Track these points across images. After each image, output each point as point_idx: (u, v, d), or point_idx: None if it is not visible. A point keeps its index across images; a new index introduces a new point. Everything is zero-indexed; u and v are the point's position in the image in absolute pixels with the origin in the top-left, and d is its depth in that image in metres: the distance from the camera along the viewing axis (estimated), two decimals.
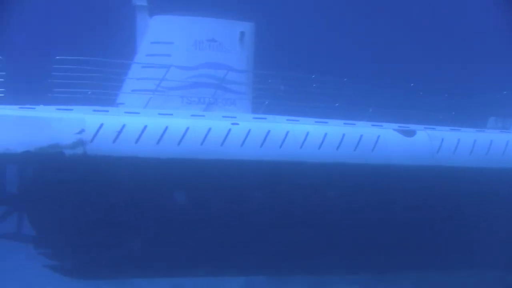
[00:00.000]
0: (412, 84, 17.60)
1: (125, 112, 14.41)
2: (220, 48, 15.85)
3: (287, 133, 15.07)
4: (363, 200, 15.73)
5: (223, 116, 15.17)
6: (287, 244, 15.34)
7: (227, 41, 15.89)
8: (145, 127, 13.90)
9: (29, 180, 13.71)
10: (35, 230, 14.29)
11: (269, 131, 14.92)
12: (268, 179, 14.82)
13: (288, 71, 16.40)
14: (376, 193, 15.68)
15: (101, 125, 13.57)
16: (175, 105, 15.23)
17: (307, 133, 15.27)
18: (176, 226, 14.43)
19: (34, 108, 13.71)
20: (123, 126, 13.73)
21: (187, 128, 14.24)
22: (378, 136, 15.94)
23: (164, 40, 15.54)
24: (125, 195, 13.76)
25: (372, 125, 16.52)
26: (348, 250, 15.85)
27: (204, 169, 14.12)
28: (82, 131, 13.41)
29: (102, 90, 14.81)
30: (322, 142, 15.33)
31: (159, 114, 14.62)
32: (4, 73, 13.73)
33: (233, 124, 14.78)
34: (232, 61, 15.88)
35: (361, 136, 15.77)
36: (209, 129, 14.41)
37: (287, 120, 15.72)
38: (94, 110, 14.14)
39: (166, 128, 14.06)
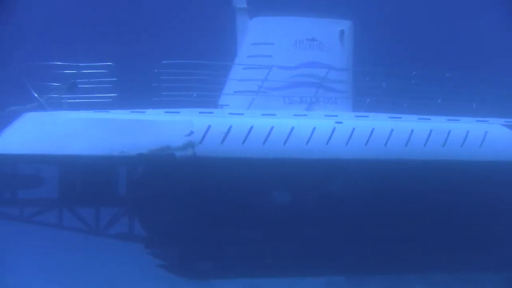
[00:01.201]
0: None
1: (230, 114, 14.62)
2: (320, 47, 15.84)
3: (391, 131, 14.88)
4: (469, 198, 15.35)
5: (325, 115, 15.15)
6: (373, 243, 15.17)
7: (327, 40, 15.88)
8: (251, 127, 14.05)
9: (142, 182, 14.10)
10: (146, 230, 14.72)
11: (373, 129, 14.78)
12: (372, 178, 14.70)
13: (388, 68, 16.22)
14: (484, 190, 15.26)
15: (209, 126, 13.82)
16: (277, 105, 15.32)
17: (412, 131, 15.03)
18: (279, 226, 14.53)
19: (144, 112, 14.12)
20: (230, 127, 13.93)
21: (292, 128, 14.30)
22: (486, 132, 15.52)
23: (265, 41, 15.69)
24: (234, 195, 13.98)
25: (477, 120, 16.10)
26: (438, 249, 15.51)
27: (309, 168, 14.16)
28: (191, 133, 13.69)
29: (206, 92, 15.12)
30: (427, 139, 15.05)
31: (263, 114, 14.75)
32: (115, 78, 14.21)
33: (337, 122, 14.74)
34: (332, 60, 15.83)
35: (468, 132, 15.39)
36: (314, 128, 14.42)
37: (390, 117, 15.54)
38: (200, 112, 14.41)
39: (272, 128, 14.17)
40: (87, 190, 14.02)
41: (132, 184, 14.24)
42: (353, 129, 14.66)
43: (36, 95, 13.99)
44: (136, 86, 14.73)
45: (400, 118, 15.55)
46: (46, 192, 14.36)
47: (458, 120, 15.94)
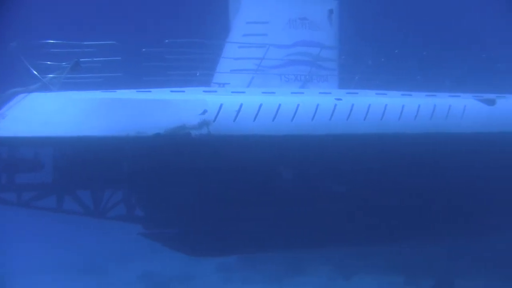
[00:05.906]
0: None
1: (232, 92, 14.69)
2: (312, 26, 16.23)
3: (385, 106, 15.54)
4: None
5: (320, 93, 15.57)
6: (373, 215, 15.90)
7: (317, 19, 16.28)
8: (260, 105, 14.23)
9: (158, 161, 13.92)
10: (158, 211, 14.59)
11: (369, 105, 15.37)
12: (372, 151, 15.32)
13: (373, 46, 16.89)
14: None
15: (221, 105, 13.87)
16: (274, 83, 15.60)
17: (403, 106, 15.75)
18: (290, 201, 14.92)
19: (150, 91, 13.92)
20: (241, 105, 14.04)
21: (298, 105, 14.62)
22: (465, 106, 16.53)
23: (259, 20, 15.85)
24: (247, 172, 14.17)
25: (450, 96, 17.05)
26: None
27: (316, 144, 14.58)
28: (205, 111, 13.70)
29: (206, 71, 15.12)
30: (417, 114, 15.84)
31: (263, 92, 14.94)
32: (119, 58, 13.89)
33: (336, 99, 15.21)
34: (323, 39, 16.26)
35: (450, 106, 16.35)
36: (317, 105, 14.81)
37: (376, 94, 16.19)
38: (204, 91, 14.41)
39: (279, 106, 14.42)
40: (98, 172, 13.72)
41: (146, 164, 14.04)
42: (352, 105, 15.22)
43: (38, 75, 13.44)
44: (137, 66, 14.48)
45: (385, 94, 16.25)
46: (49, 175, 13.93)
47: (435, 95, 16.90)
